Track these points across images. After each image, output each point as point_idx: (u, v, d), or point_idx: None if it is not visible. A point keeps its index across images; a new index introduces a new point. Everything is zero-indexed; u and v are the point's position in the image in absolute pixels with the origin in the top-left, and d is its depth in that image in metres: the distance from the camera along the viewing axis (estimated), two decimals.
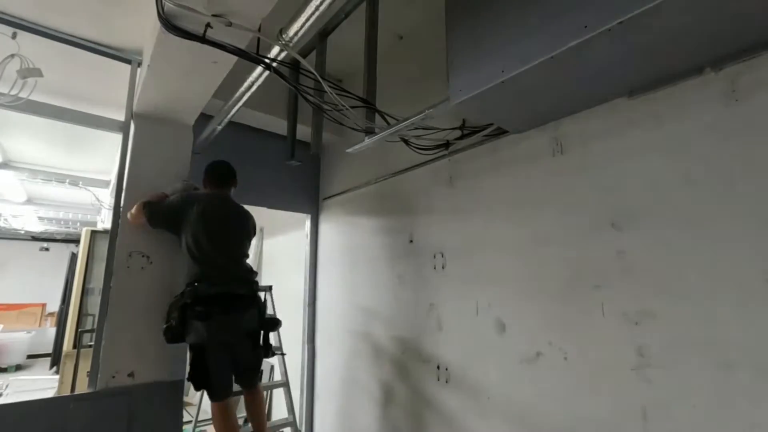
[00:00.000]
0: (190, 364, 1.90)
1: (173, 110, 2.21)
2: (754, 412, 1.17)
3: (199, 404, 2.95)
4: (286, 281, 4.00)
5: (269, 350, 2.15)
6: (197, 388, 1.93)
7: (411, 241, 2.52)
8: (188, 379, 1.91)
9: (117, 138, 2.33)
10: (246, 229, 2.21)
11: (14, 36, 2.03)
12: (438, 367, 2.21)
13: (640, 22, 1.09)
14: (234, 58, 1.67)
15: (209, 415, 3.93)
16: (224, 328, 1.94)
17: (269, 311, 2.52)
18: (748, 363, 1.18)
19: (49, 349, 7.15)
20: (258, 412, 2.16)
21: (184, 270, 2.02)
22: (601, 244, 1.56)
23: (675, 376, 1.33)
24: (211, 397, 1.94)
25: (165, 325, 1.93)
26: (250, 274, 2.14)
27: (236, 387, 2.08)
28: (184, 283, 1.97)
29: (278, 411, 3.81)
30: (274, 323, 2.21)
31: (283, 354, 2.74)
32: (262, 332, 2.13)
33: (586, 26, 1.16)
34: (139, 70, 2.32)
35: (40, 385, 5.95)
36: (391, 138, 2.08)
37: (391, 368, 2.55)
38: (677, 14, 1.07)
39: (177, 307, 1.93)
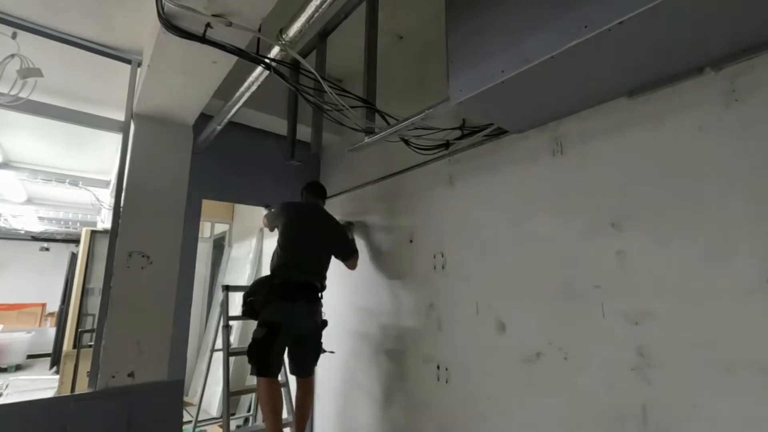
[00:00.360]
0: (256, 339, 2.09)
1: (173, 110, 2.21)
2: (754, 413, 1.17)
3: (198, 404, 2.95)
4: None
5: (321, 347, 2.45)
6: (253, 361, 2.10)
7: (411, 241, 2.52)
8: (248, 352, 2.11)
9: (117, 138, 2.33)
10: (327, 230, 2.54)
11: (14, 36, 2.03)
12: (438, 367, 2.21)
13: (640, 22, 1.09)
14: (234, 58, 1.67)
15: (209, 415, 3.95)
16: (302, 314, 2.22)
17: None
18: (748, 363, 1.18)
19: (49, 349, 7.15)
20: (308, 400, 2.38)
21: (274, 258, 2.33)
22: (601, 244, 1.56)
23: (675, 376, 1.33)
24: (264, 373, 2.09)
25: (249, 299, 2.18)
26: (323, 270, 2.46)
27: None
28: (273, 268, 2.27)
29: None
30: (326, 323, 2.50)
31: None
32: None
33: (586, 26, 1.16)
34: (139, 70, 2.32)
35: (40, 385, 5.95)
36: (391, 138, 2.08)
37: (391, 368, 2.55)
38: (677, 14, 1.07)
39: (266, 285, 2.18)
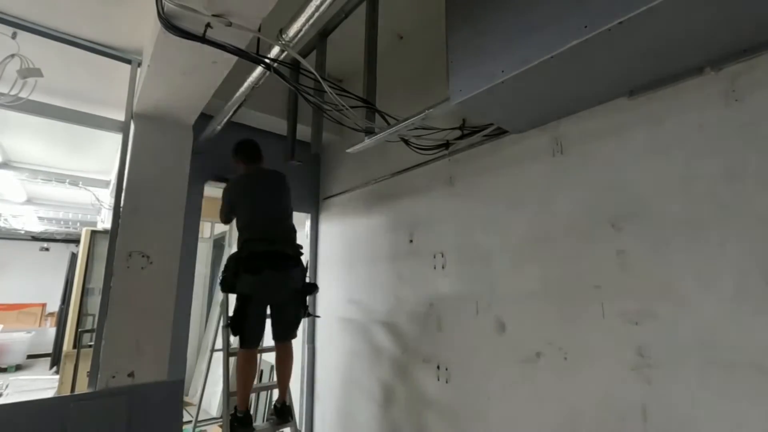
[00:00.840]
0: (233, 312, 2.20)
1: (173, 110, 2.21)
2: (753, 412, 1.17)
3: (198, 404, 2.95)
4: None
5: (306, 310, 2.45)
6: (234, 333, 2.20)
7: (411, 241, 2.52)
8: (226, 325, 2.28)
9: (117, 138, 2.33)
10: (280, 188, 2.45)
11: (14, 36, 2.02)
12: (438, 367, 2.21)
13: (640, 22, 1.09)
14: (234, 58, 1.67)
15: (209, 415, 3.95)
16: (272, 283, 2.20)
17: None
18: (748, 363, 1.18)
19: (49, 349, 7.15)
20: (287, 363, 2.38)
21: (241, 235, 2.29)
22: (601, 244, 1.56)
23: (675, 376, 1.33)
24: (242, 344, 2.19)
25: (223, 275, 2.22)
26: (294, 235, 2.40)
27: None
28: (240, 243, 2.25)
29: None
30: (314, 287, 2.51)
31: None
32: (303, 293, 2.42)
33: (586, 26, 1.16)
34: (139, 70, 2.32)
35: (40, 385, 5.95)
36: (391, 138, 2.08)
37: (391, 368, 2.55)
38: (677, 14, 1.07)
39: (233, 259, 2.20)
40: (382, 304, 2.69)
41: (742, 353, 1.20)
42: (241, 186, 2.40)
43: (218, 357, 2.77)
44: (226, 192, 2.43)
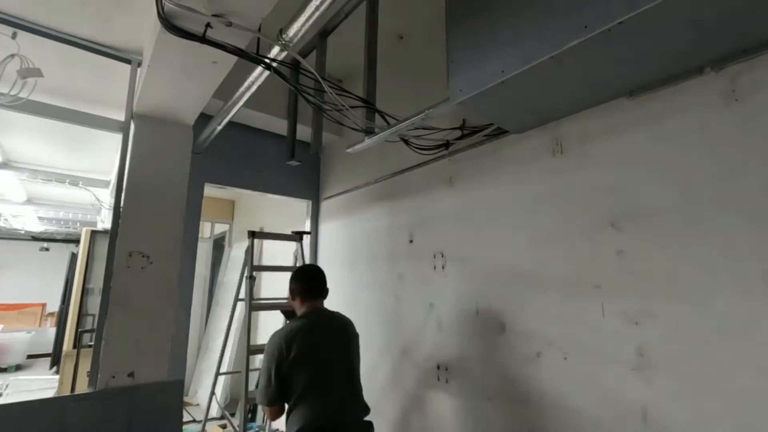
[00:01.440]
0: None
1: (173, 110, 2.21)
2: (754, 413, 1.17)
3: (208, 406, 2.94)
4: (286, 281, 3.99)
5: None
6: None
7: (411, 241, 2.52)
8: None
9: (117, 138, 2.33)
10: (350, 343, 1.91)
11: (14, 36, 2.02)
12: (438, 367, 2.21)
13: (640, 22, 1.09)
14: (234, 58, 1.67)
15: (210, 415, 3.93)
16: None
17: None
18: (749, 363, 1.18)
19: (49, 349, 7.15)
20: None
21: (297, 413, 1.61)
22: (601, 244, 1.56)
23: (675, 376, 1.33)
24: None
25: None
26: (365, 412, 1.82)
27: None
28: (297, 425, 1.57)
29: None
30: None
31: None
32: None
33: (586, 26, 1.16)
34: (139, 70, 2.32)
35: (40, 385, 5.94)
36: (391, 138, 2.08)
37: (391, 368, 2.55)
38: (677, 14, 1.07)
39: None
40: (382, 304, 2.69)
41: (743, 353, 1.20)
42: (306, 342, 1.68)
43: (216, 359, 2.75)
44: (274, 357, 1.62)
